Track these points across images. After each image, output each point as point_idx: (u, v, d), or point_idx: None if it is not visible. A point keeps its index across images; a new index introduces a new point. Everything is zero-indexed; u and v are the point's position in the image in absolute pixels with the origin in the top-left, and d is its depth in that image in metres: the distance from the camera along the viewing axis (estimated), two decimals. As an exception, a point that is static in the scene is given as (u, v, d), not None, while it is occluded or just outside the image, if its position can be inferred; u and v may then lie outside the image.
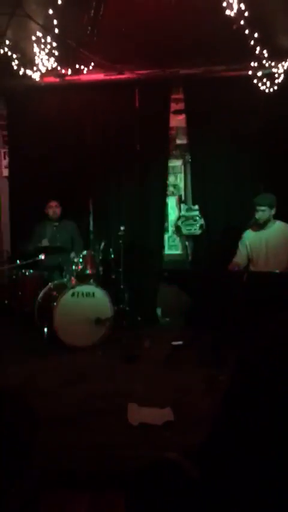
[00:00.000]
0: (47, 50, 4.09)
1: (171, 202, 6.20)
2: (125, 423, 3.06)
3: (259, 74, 4.99)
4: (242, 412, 0.94)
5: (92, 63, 5.04)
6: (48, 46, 4.06)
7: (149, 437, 2.89)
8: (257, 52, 4.63)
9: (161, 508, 1.15)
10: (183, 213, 5.90)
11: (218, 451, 1.04)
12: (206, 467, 1.11)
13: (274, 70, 5.03)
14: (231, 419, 0.98)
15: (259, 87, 5.08)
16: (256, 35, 4.38)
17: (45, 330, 4.74)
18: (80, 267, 5.02)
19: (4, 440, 1.42)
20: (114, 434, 2.96)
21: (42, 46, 4.09)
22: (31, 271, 5.18)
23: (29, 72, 4.71)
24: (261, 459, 0.91)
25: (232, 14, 3.81)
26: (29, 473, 1.47)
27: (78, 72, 5.09)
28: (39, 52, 4.15)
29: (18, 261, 5.10)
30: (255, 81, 5.05)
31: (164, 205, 6.11)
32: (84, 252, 5.12)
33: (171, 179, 6.18)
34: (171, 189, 6.21)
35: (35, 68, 4.56)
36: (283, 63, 5.02)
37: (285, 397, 0.90)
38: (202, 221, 5.81)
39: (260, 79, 5.04)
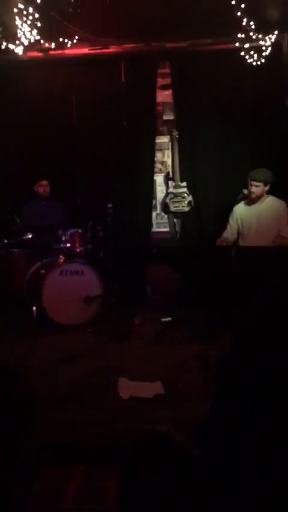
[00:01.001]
0: (29, 22, 3.97)
1: (159, 179, 6.16)
2: (116, 397, 3.09)
3: (246, 46, 4.91)
4: (243, 381, 0.94)
5: (76, 37, 4.91)
6: (31, 17, 3.94)
7: (140, 410, 2.92)
8: (243, 24, 4.55)
9: (154, 481, 1.16)
10: (171, 190, 5.86)
11: (220, 425, 1.04)
12: (208, 443, 1.12)
13: (261, 42, 4.94)
14: (231, 390, 0.98)
15: (246, 60, 5.00)
16: (243, 5, 4.30)
17: (34, 309, 4.72)
18: (69, 245, 4.99)
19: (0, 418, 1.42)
20: (106, 409, 2.98)
21: (24, 18, 3.97)
22: (19, 250, 5.13)
23: (11, 46, 4.58)
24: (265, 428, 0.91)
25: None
26: (25, 449, 1.47)
27: (62, 46, 4.96)
28: (22, 24, 4.03)
29: (5, 240, 5.04)
30: (242, 53, 4.97)
31: (152, 182, 6.05)
32: (72, 230, 5.08)
33: (158, 156, 6.12)
34: (158, 166, 6.15)
35: (17, 42, 4.43)
36: (270, 35, 4.94)
37: (282, 356, 0.89)
38: (190, 198, 5.78)
39: (247, 51, 4.95)
